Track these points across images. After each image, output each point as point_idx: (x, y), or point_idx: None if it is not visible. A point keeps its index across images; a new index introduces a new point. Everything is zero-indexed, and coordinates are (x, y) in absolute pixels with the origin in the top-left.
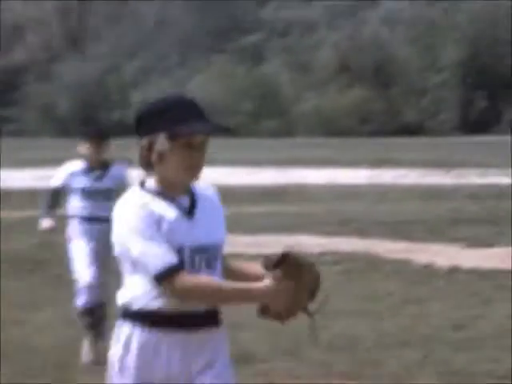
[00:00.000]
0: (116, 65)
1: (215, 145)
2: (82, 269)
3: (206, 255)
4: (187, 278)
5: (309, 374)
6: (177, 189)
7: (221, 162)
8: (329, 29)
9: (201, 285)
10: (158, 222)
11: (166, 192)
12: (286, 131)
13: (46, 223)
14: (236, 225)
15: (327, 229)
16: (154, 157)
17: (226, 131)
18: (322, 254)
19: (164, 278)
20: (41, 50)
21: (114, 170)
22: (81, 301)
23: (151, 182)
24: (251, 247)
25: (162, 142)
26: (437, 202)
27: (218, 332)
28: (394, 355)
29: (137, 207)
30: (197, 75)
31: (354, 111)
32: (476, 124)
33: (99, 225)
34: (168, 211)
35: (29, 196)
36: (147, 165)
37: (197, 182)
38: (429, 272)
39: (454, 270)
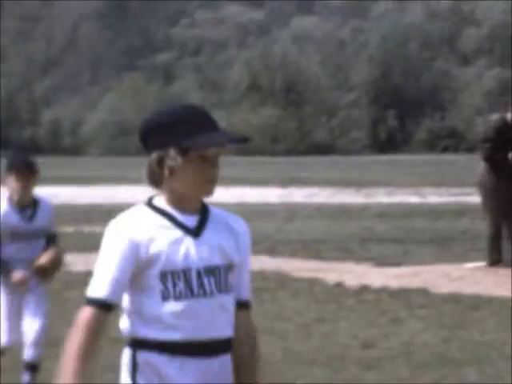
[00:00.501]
0: (26, 83)
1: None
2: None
3: (216, 277)
4: (83, 322)
5: None
6: (188, 205)
7: (129, 181)
8: (240, 47)
9: (75, 338)
10: (137, 246)
11: (175, 209)
12: None
13: None
14: None
15: None
16: (165, 172)
17: (243, 141)
18: None
19: (86, 304)
20: None
21: (43, 205)
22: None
23: (160, 199)
24: None
25: (173, 156)
26: (346, 221)
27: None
28: (302, 374)
29: (117, 226)
30: (108, 93)
31: (265, 130)
32: (386, 143)
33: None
34: (167, 231)
35: None
36: (156, 181)
37: (222, 208)
38: (338, 291)
39: (363, 289)
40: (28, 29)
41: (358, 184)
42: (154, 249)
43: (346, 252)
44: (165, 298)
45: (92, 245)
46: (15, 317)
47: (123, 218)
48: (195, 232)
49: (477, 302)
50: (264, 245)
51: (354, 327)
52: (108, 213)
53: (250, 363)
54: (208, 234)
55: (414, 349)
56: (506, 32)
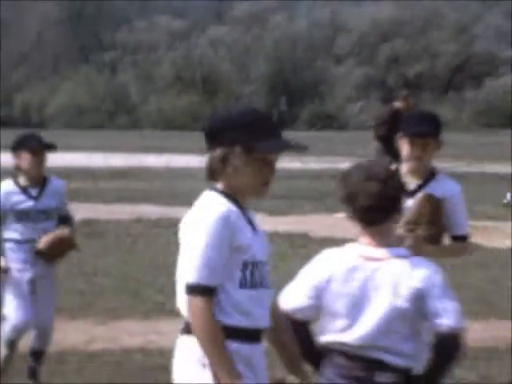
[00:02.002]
0: (3, 73)
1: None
2: (14, 309)
3: (261, 272)
4: (204, 309)
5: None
6: (245, 202)
7: (83, 148)
8: (168, 49)
9: (207, 325)
10: (233, 234)
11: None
12: (135, 126)
13: None
14: (95, 196)
15: (163, 201)
16: (228, 169)
17: (304, 149)
18: (159, 219)
19: (191, 292)
20: None
21: (53, 185)
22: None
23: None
24: (108, 214)
25: (238, 154)
26: None
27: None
28: None
29: (216, 213)
30: (67, 82)
31: (187, 112)
32: (278, 123)
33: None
34: (244, 223)
35: None
36: (214, 175)
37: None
38: None
39: None
40: (3, 29)
41: None
42: (242, 239)
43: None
44: (242, 286)
45: None
46: (24, 298)
47: (217, 205)
48: (255, 227)
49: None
50: (184, 198)
51: None
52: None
53: (293, 348)
54: (258, 229)
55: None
56: (371, 38)
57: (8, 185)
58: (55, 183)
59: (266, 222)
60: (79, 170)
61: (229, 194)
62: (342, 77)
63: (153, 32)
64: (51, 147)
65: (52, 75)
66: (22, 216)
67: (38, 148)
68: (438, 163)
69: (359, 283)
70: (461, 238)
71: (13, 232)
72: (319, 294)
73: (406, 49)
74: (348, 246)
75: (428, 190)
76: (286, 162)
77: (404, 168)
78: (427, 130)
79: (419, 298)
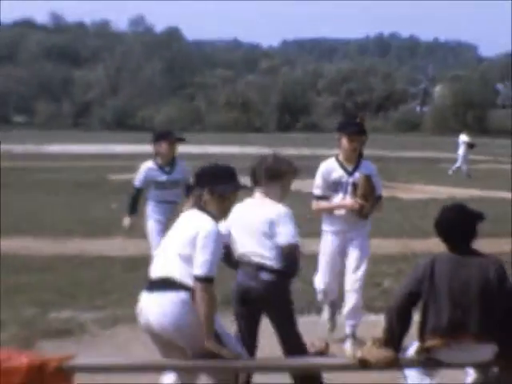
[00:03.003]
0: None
1: None
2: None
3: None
4: (214, 294)
5: None
6: (219, 220)
7: None
8: (223, 87)
9: (214, 306)
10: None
11: None
12: (203, 131)
13: (126, 222)
14: None
15: None
16: (202, 202)
17: (247, 189)
18: None
19: (207, 281)
20: None
21: (180, 165)
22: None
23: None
24: None
25: (206, 194)
26: None
27: None
28: None
29: (215, 226)
30: (165, 106)
31: (232, 123)
32: None
33: (169, 205)
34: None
35: None
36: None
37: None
38: None
39: None
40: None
41: None
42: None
43: None
44: None
45: None
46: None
47: (210, 221)
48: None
49: None
50: None
51: None
52: None
53: None
54: None
55: None
56: (337, 81)
57: (148, 164)
58: (181, 163)
59: None
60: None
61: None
62: (320, 103)
63: (214, 78)
64: (181, 139)
65: (157, 101)
66: (159, 185)
67: (173, 139)
68: (372, 151)
69: (244, 219)
70: (379, 197)
71: (154, 195)
72: (228, 229)
73: (356, 86)
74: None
75: (362, 169)
76: None
77: (341, 157)
78: (361, 130)
79: (272, 224)
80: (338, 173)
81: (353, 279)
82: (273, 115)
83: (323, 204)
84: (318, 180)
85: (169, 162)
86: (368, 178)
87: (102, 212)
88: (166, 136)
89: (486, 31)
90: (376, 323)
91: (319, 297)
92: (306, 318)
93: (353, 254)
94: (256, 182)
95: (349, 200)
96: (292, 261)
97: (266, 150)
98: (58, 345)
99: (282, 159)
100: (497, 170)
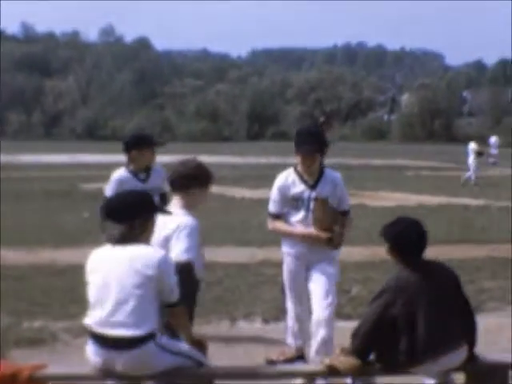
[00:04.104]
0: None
1: None
2: None
3: None
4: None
5: None
6: None
7: None
8: (192, 97)
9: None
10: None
11: None
12: (172, 140)
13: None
14: None
15: None
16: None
17: (168, 214)
18: None
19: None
20: None
21: (156, 171)
22: None
23: None
24: None
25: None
26: None
27: None
28: None
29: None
30: (136, 115)
31: (203, 131)
32: None
33: None
34: None
35: None
36: None
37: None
38: None
39: None
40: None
41: None
42: None
43: None
44: None
45: None
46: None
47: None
48: None
49: None
50: None
51: None
52: None
53: None
54: None
55: None
56: (305, 90)
57: (120, 173)
58: (157, 169)
59: None
60: None
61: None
62: (289, 112)
63: (184, 88)
64: (162, 143)
65: (127, 111)
66: None
67: (148, 145)
68: (340, 159)
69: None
70: (345, 212)
71: None
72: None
73: (324, 95)
74: None
75: (326, 180)
76: None
77: (300, 168)
78: (312, 150)
79: (168, 239)
80: (298, 187)
81: (321, 309)
82: (242, 124)
83: (281, 226)
84: (275, 194)
85: (144, 169)
86: (324, 203)
87: (74, 221)
88: (147, 140)
89: (452, 41)
90: (344, 330)
91: (289, 340)
92: (275, 325)
93: (318, 281)
94: (172, 189)
95: (314, 231)
96: (182, 281)
97: (235, 159)
98: (31, 354)
99: (196, 166)
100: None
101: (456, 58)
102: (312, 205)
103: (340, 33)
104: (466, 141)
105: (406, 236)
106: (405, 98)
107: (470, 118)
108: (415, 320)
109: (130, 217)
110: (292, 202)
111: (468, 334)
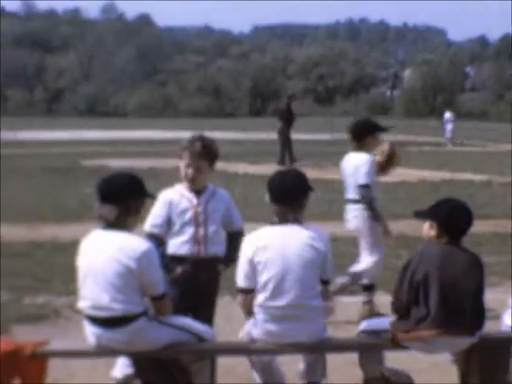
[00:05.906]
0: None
1: None
2: None
3: None
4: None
5: None
6: None
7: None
8: (195, 72)
9: None
10: None
11: None
12: (176, 116)
13: None
14: None
15: None
16: None
17: (153, 198)
18: None
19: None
20: None
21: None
22: None
23: None
24: None
25: None
26: None
27: None
28: None
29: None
30: (137, 91)
31: (206, 107)
32: None
33: None
34: None
35: None
36: None
37: None
38: None
39: None
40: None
41: None
42: None
43: None
44: None
45: None
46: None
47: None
48: None
49: None
50: None
51: None
52: None
53: None
54: None
55: None
56: (308, 66)
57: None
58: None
59: None
60: None
61: None
62: (291, 87)
63: (186, 64)
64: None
65: (129, 87)
66: None
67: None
68: (342, 134)
69: None
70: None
71: None
72: None
73: (326, 71)
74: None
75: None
76: None
77: None
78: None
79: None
80: None
81: None
82: (244, 100)
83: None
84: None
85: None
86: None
87: (75, 197)
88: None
89: (455, 16)
90: (347, 305)
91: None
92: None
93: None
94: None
95: None
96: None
97: (238, 135)
98: (33, 330)
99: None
100: (465, 152)
101: (459, 33)
102: None
103: (342, 8)
104: (468, 116)
105: (457, 216)
106: (407, 73)
107: (472, 93)
108: (429, 293)
109: (127, 198)
110: None
111: (474, 331)
